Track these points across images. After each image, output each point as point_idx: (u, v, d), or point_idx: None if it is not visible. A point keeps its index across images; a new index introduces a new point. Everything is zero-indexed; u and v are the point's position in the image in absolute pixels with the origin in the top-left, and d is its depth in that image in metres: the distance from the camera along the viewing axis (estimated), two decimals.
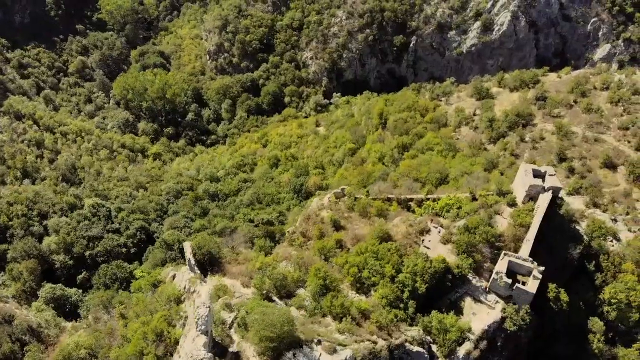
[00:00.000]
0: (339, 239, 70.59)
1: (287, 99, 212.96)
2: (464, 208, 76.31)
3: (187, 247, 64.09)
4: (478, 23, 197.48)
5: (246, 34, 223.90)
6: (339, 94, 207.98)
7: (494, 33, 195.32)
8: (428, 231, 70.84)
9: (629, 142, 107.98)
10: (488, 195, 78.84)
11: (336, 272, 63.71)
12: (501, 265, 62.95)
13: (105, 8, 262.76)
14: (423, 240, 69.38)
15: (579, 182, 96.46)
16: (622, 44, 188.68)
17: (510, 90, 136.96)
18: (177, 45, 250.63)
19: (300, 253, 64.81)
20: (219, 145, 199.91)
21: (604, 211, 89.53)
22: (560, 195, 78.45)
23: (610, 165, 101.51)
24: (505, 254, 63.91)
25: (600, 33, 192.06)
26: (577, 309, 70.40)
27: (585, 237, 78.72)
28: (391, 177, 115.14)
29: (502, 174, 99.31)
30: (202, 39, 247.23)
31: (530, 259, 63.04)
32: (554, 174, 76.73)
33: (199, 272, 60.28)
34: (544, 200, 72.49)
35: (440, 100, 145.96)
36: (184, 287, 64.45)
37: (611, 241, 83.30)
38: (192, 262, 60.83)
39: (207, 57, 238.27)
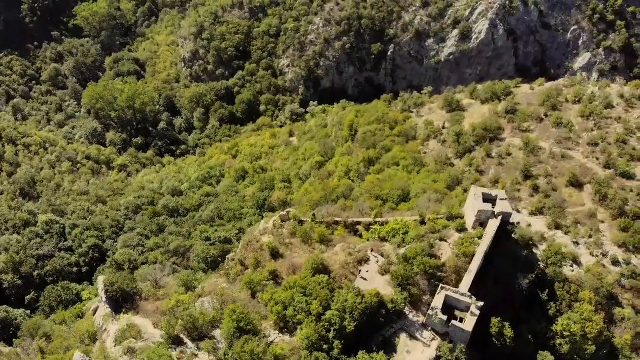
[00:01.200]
0: (273, 270, 66.24)
1: (262, 108, 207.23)
2: (410, 233, 72.06)
3: (100, 282, 59.59)
4: (456, 31, 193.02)
5: (222, 41, 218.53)
6: (315, 103, 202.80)
7: (472, 41, 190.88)
8: (367, 260, 66.42)
9: (597, 159, 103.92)
10: (437, 219, 74.57)
11: (262, 309, 59.24)
12: (438, 300, 58.57)
13: (81, 14, 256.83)
14: (360, 270, 64.96)
15: (542, 201, 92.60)
16: (602, 52, 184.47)
17: (481, 102, 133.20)
18: (153, 52, 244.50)
19: (221, 289, 60.11)
20: (189, 156, 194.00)
21: (566, 233, 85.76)
22: (513, 220, 73.94)
23: (577, 184, 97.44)
24: (442, 288, 59.49)
25: (580, 41, 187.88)
26: (526, 343, 66.17)
27: (540, 263, 74.61)
28: (355, 193, 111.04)
29: (465, 191, 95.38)
30: (178, 45, 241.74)
31: (469, 293, 58.55)
32: (505, 199, 72.26)
33: (109, 309, 55.72)
34: (492, 226, 68.12)
35: (412, 112, 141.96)
36: (99, 324, 60.15)
37: (571, 266, 79.33)
38: (104, 298, 56.26)
39: (182, 64, 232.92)
